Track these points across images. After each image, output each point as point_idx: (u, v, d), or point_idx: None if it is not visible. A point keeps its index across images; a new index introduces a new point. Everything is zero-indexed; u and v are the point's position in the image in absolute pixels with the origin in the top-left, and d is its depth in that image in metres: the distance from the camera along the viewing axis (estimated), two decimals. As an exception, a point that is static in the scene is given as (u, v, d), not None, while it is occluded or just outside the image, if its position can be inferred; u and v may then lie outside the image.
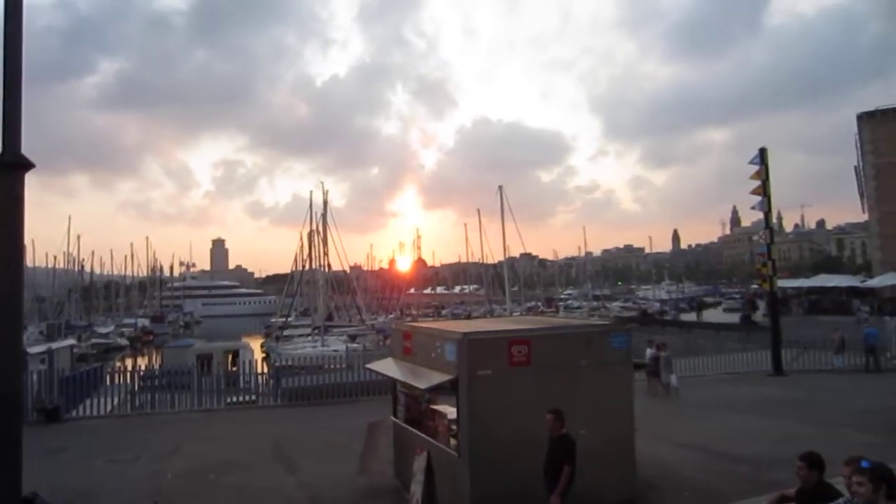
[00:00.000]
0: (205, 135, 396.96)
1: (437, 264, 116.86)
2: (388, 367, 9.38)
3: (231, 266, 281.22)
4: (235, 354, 31.15)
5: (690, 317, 63.23)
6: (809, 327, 30.98)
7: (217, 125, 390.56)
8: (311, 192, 56.61)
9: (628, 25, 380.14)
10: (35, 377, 16.91)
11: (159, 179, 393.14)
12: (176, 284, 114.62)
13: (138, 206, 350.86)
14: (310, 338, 47.86)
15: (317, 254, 57.09)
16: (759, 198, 23.49)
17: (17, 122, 4.89)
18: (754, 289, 65.99)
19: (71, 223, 75.75)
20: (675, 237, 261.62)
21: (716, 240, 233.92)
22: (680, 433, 12.74)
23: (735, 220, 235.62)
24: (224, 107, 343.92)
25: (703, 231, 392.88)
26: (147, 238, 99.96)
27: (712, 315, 64.56)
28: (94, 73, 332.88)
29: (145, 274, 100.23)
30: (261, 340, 55.10)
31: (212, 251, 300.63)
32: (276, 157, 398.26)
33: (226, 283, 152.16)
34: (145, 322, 78.96)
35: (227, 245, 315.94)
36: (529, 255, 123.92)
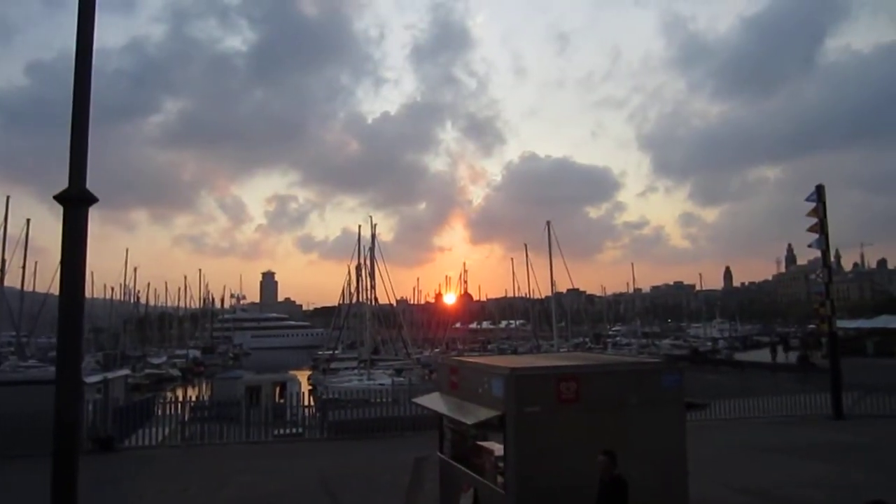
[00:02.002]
0: (259, 171, 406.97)
1: (484, 299, 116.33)
2: (434, 401, 9.31)
3: (280, 298, 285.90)
4: (283, 387, 31.35)
5: (745, 356, 61.28)
6: (872, 370, 29.65)
7: (271, 162, 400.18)
8: (359, 226, 57.33)
9: (679, 64, 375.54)
10: (91, 407, 17.12)
11: (214, 214, 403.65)
12: (226, 316, 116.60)
13: (193, 240, 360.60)
14: (356, 371, 47.91)
15: (364, 287, 57.69)
16: (815, 235, 22.75)
17: (83, 159, 5.12)
18: (811, 328, 63.70)
19: (128, 256, 77.51)
20: (727, 274, 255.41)
21: (770, 278, 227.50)
22: (736, 477, 12.23)
23: (790, 258, 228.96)
24: (278, 144, 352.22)
25: (756, 269, 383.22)
26: (200, 271, 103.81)
27: (765, 355, 62.45)
28: (158, 112, 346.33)
29: (197, 306, 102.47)
30: (308, 373, 55.46)
31: (262, 284, 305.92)
32: (326, 192, 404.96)
33: (274, 315, 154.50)
34: (197, 353, 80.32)
35: (277, 278, 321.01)
36: (577, 290, 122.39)
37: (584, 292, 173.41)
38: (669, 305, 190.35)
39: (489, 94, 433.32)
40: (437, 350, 67.69)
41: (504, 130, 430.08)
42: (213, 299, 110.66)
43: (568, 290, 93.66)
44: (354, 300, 62.17)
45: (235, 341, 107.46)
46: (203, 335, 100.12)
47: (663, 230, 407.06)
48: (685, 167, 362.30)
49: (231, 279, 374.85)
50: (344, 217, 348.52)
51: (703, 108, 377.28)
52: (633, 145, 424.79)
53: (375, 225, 56.23)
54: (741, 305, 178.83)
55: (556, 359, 9.94)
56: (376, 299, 57.77)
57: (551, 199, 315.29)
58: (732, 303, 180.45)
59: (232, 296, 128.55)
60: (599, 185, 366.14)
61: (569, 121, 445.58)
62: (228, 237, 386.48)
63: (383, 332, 65.33)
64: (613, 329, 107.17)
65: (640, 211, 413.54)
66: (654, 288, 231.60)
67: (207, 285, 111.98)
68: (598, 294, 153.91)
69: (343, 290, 70.85)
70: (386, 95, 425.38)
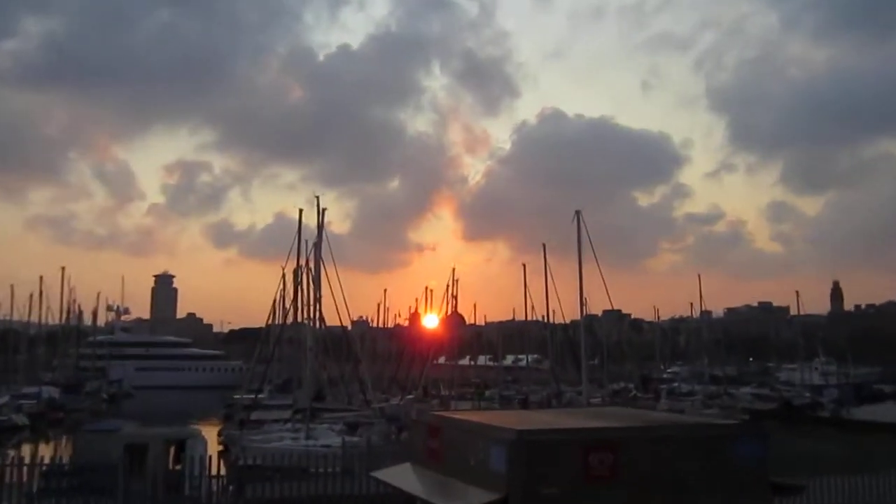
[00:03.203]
0: (157, 126, 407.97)
1: (481, 322, 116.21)
2: (404, 476, 9.32)
3: (181, 314, 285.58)
4: (181, 446, 31.16)
5: (861, 413, 61.74)
6: None
7: (175, 113, 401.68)
8: (300, 211, 56.59)
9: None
10: None
11: (87, 187, 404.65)
12: (100, 338, 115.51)
13: (55, 224, 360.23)
14: (290, 425, 47.86)
15: (305, 301, 57.43)
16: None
17: None
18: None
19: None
20: (836, 293, 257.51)
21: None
22: None
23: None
24: (187, 88, 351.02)
25: (877, 286, 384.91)
26: (63, 269, 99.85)
27: (891, 411, 62.96)
28: (12, 36, 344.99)
29: (58, 321, 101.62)
30: (218, 426, 55.26)
31: (154, 292, 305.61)
32: (255, 160, 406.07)
33: (172, 339, 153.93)
34: (54, 392, 79.68)
35: (178, 283, 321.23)
36: (617, 312, 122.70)
37: (628, 315, 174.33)
38: (751, 337, 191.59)
39: (496, 24, 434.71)
40: (409, 397, 67.63)
41: (516, 77, 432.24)
42: (80, 312, 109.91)
43: (605, 313, 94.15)
44: (290, 320, 62.01)
45: (112, 376, 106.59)
46: (65, 365, 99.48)
47: (744, 227, 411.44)
48: (776, 137, 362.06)
49: (109, 283, 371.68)
50: (279, 197, 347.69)
51: (802, 53, 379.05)
52: (702, 103, 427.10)
53: (324, 210, 55.46)
54: (854, 338, 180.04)
55: (585, 416, 9.96)
56: (323, 319, 57.46)
57: (583, 179, 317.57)
58: (842, 334, 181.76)
59: (110, 308, 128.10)
60: (653, 159, 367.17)
61: (610, 66, 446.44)
62: (107, 221, 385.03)
63: (332, 367, 65.24)
64: (670, 371, 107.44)
65: (710, 198, 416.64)
66: (730, 311, 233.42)
67: (74, 291, 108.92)
68: (649, 318, 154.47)
69: (274, 305, 70.67)
70: (346, 22, 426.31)
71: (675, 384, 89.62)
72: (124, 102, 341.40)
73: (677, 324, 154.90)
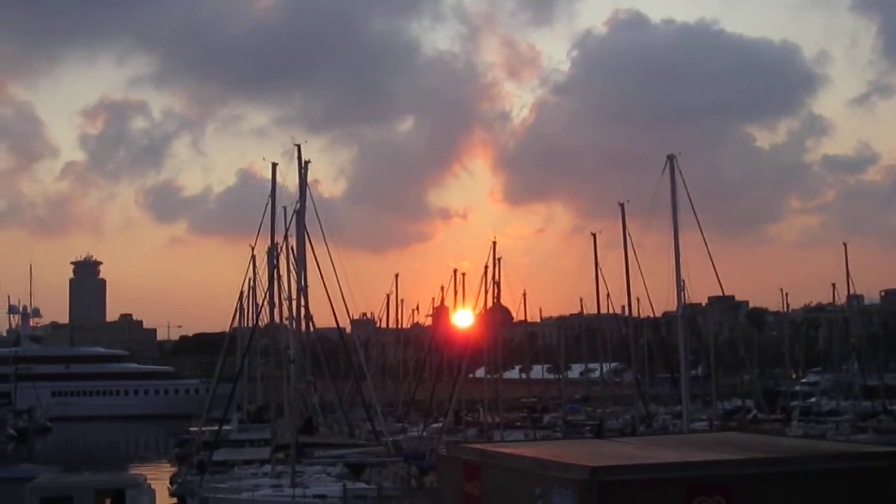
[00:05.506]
0: (69, 53, 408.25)
1: (535, 318, 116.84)
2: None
3: (112, 316, 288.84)
4: (118, 499, 31.52)
5: None
6: None
7: (94, 34, 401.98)
8: (273, 166, 56.26)
9: None
10: None
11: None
12: (2, 352, 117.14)
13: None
14: (268, 468, 48.25)
15: (283, 293, 57.66)
16: None
17: None
18: None
19: None
20: None
21: None
22: None
23: None
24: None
25: None
26: None
27: None
28: None
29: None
30: (169, 471, 55.82)
31: (73, 285, 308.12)
32: (207, 96, 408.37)
33: (100, 351, 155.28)
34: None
35: (104, 272, 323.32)
36: (730, 300, 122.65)
37: (745, 304, 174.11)
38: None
39: None
40: (436, 426, 67.98)
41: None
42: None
43: (711, 300, 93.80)
44: (265, 320, 62.23)
45: (20, 403, 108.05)
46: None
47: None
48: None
49: (11, 275, 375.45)
50: (243, 148, 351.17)
51: None
52: (843, 2, 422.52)
53: (308, 164, 55.28)
54: None
55: (686, 447, 9.96)
56: (310, 319, 57.87)
57: (675, 112, 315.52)
58: None
59: (13, 309, 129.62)
60: (774, 80, 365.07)
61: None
62: (6, 189, 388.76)
63: (325, 386, 65.66)
64: (804, 381, 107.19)
65: (857, 135, 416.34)
66: (890, 295, 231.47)
67: None
68: (773, 308, 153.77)
69: (241, 300, 71.14)
70: None
71: (813, 400, 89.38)
72: (21, 24, 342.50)
73: (814, 314, 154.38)
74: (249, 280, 69.45)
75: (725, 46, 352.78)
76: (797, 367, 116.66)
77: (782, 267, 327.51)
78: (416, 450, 52.73)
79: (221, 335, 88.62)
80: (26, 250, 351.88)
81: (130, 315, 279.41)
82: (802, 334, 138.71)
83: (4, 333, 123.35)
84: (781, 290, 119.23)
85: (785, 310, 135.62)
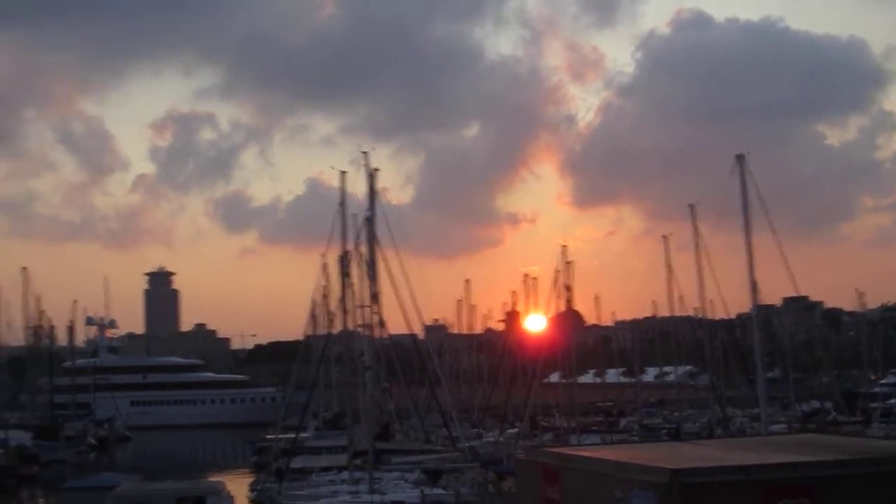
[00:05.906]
0: (136, 67, 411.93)
1: (608, 322, 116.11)
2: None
3: (185, 325, 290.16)
4: (199, 507, 31.73)
5: None
6: None
7: (160, 46, 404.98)
8: (342, 174, 56.31)
9: None
10: None
11: (50, 155, 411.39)
12: (81, 363, 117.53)
13: (9, 208, 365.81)
14: (346, 475, 48.38)
15: (357, 301, 57.75)
16: None
17: None
18: None
19: None
20: None
21: None
22: None
23: None
24: (173, 8, 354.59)
25: None
26: (25, 271, 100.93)
27: None
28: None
29: (21, 342, 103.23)
30: (248, 479, 56.11)
31: (147, 296, 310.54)
32: (273, 107, 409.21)
33: (176, 360, 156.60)
34: (24, 438, 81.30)
35: (177, 283, 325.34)
36: (805, 301, 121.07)
37: (820, 304, 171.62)
38: None
39: None
40: (512, 431, 67.85)
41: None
42: (52, 328, 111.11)
43: (786, 301, 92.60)
44: (338, 328, 62.34)
45: (100, 413, 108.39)
46: (36, 400, 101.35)
47: None
48: None
49: (87, 287, 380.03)
50: (311, 157, 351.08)
51: None
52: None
53: (376, 172, 55.54)
54: None
55: (766, 449, 9.86)
56: (384, 326, 57.95)
57: (742, 110, 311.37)
58: None
59: (90, 321, 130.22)
60: (843, 77, 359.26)
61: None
62: (79, 202, 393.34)
63: (400, 392, 65.61)
64: (884, 382, 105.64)
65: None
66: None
67: (40, 299, 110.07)
68: (850, 308, 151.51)
69: (314, 308, 71.26)
70: None
71: (893, 401, 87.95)
72: (90, 39, 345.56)
73: (892, 314, 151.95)
74: (321, 288, 69.57)
75: (791, 44, 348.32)
76: (875, 368, 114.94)
77: (857, 266, 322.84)
78: (493, 455, 52.64)
79: (295, 343, 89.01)
80: (100, 263, 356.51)
81: (204, 325, 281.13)
82: (880, 334, 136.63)
83: (83, 345, 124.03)
84: (857, 290, 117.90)
85: (862, 310, 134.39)
